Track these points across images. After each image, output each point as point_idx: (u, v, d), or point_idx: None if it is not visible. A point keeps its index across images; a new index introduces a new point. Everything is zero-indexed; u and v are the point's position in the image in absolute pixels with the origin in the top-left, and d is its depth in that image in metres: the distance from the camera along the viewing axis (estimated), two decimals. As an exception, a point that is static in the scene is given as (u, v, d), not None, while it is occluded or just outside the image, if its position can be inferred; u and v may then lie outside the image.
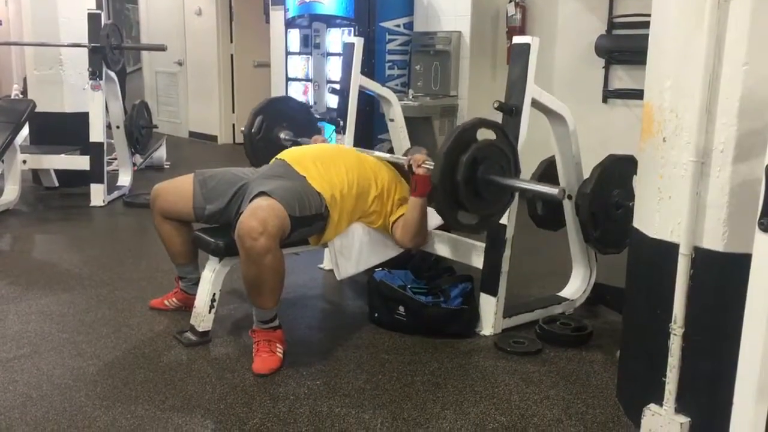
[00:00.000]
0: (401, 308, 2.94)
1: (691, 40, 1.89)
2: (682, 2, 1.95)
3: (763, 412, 1.57)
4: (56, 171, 5.68)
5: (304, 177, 2.84)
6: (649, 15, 2.18)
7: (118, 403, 2.34)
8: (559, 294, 3.24)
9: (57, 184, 5.76)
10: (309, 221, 2.75)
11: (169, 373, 2.57)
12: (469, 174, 2.48)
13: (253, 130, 3.55)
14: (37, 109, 5.25)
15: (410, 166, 2.88)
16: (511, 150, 2.63)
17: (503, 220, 2.87)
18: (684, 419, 2.03)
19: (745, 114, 1.82)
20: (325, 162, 2.92)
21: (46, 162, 5.48)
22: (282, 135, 3.60)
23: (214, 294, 2.81)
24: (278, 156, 3.07)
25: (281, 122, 3.62)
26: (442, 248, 3.27)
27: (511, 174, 2.62)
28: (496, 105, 2.80)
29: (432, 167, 2.64)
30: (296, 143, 3.57)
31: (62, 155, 5.43)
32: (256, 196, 2.65)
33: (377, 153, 3.29)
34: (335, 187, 2.83)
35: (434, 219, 3.30)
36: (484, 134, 2.64)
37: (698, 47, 1.85)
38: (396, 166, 3.16)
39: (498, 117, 2.84)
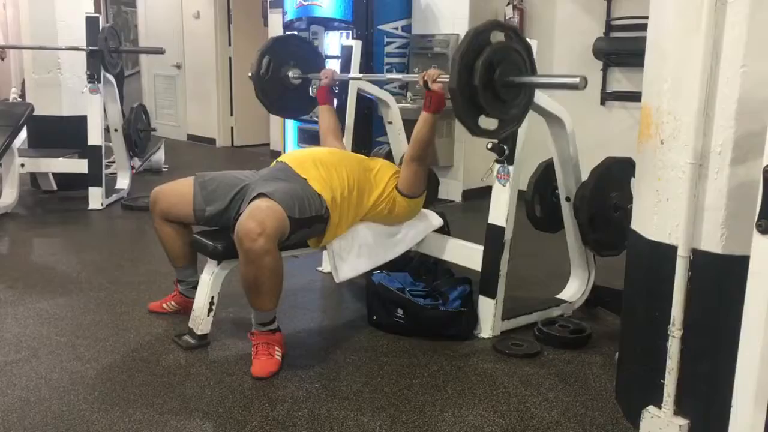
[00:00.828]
0: (400, 311, 2.93)
1: (689, 42, 1.89)
2: (679, 5, 1.96)
3: (761, 414, 1.57)
4: (54, 174, 5.68)
5: (305, 179, 2.84)
6: (646, 17, 2.18)
7: (116, 407, 2.34)
8: (557, 296, 3.24)
9: (55, 188, 5.75)
10: (308, 223, 2.75)
11: (168, 376, 2.57)
12: (487, 77, 2.37)
13: (261, 71, 3.50)
14: (35, 113, 5.26)
15: (425, 82, 2.83)
16: (525, 49, 2.55)
17: (501, 223, 2.88)
18: (683, 421, 2.03)
19: (743, 116, 1.83)
20: (326, 164, 2.92)
21: (44, 165, 5.47)
22: (290, 73, 3.53)
23: (213, 297, 2.81)
24: (279, 158, 3.07)
25: (288, 60, 3.55)
26: (440, 251, 3.27)
27: (528, 73, 2.56)
28: None
29: (446, 81, 2.58)
30: (305, 80, 3.56)
31: (60, 158, 5.43)
32: (255, 197, 2.65)
33: (389, 75, 3.04)
34: (336, 190, 2.83)
35: (434, 221, 3.31)
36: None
37: (696, 49, 1.86)
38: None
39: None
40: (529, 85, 2.53)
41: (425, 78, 2.81)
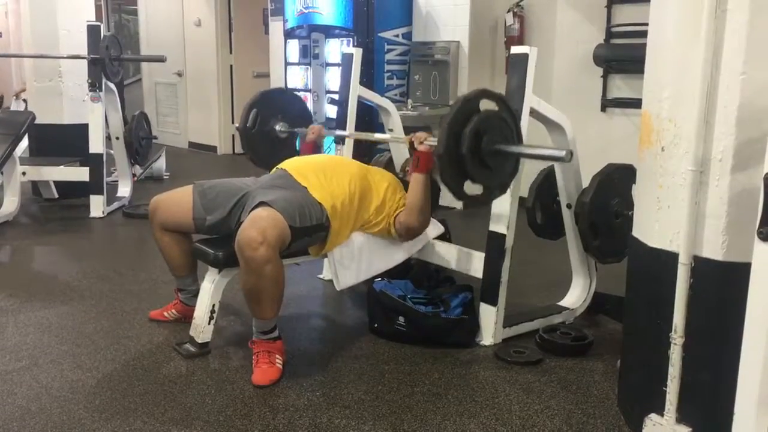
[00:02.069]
0: (401, 318, 2.93)
1: (689, 49, 1.90)
2: (679, 12, 1.96)
3: (764, 422, 1.57)
4: (56, 182, 5.69)
5: (306, 188, 2.84)
6: (646, 24, 2.18)
7: (117, 416, 2.33)
8: (559, 303, 3.23)
9: (56, 196, 5.76)
10: (309, 231, 2.74)
11: (169, 384, 2.56)
12: (474, 144, 2.43)
13: (248, 124, 3.52)
14: (36, 121, 5.27)
15: (411, 143, 2.87)
16: (513, 119, 2.58)
17: (502, 230, 2.87)
18: (685, 429, 2.03)
19: (744, 123, 1.83)
20: (327, 173, 2.92)
21: (45, 173, 5.49)
22: (277, 127, 3.56)
23: (214, 305, 2.81)
24: (279, 166, 3.07)
25: (276, 114, 3.58)
26: (441, 258, 3.27)
27: (515, 142, 2.59)
28: None
29: (434, 143, 2.61)
30: (292, 134, 3.57)
31: (62, 167, 5.45)
32: (256, 206, 2.65)
33: (378, 135, 3.22)
34: (336, 198, 2.83)
35: (435, 228, 3.31)
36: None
37: (696, 57, 1.86)
38: (398, 177, 3.15)
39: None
40: (516, 155, 2.59)
41: (412, 139, 2.86)
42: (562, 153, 2.37)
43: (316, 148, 3.50)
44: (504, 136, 2.51)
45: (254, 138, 3.53)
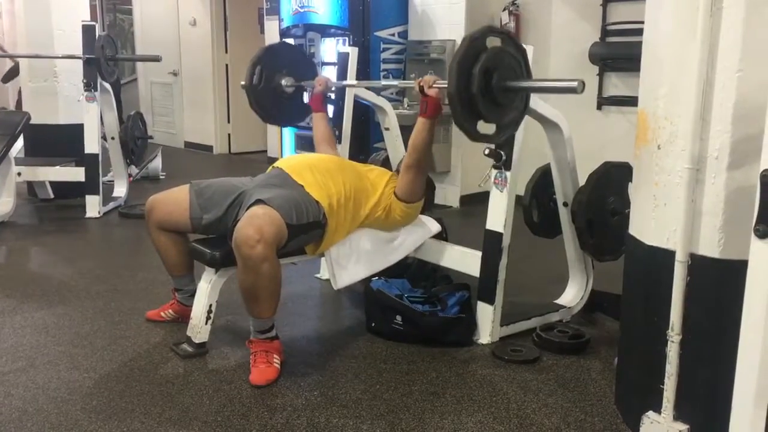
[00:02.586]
0: (398, 317, 2.93)
1: (685, 47, 1.90)
2: (675, 10, 1.96)
3: (761, 419, 1.57)
4: (51, 183, 5.68)
5: (302, 186, 2.84)
6: (642, 22, 2.19)
7: (114, 417, 2.33)
8: (556, 301, 3.24)
9: (52, 196, 5.75)
10: (306, 229, 2.74)
11: (166, 385, 2.56)
12: (485, 82, 2.39)
13: (254, 81, 3.50)
14: (32, 121, 5.25)
15: (421, 87, 2.84)
16: (520, 53, 2.55)
17: (499, 228, 2.87)
18: (682, 426, 2.03)
19: (740, 121, 1.83)
20: (323, 171, 2.92)
21: (41, 174, 5.47)
22: (283, 82, 3.54)
23: (211, 305, 2.80)
24: (275, 164, 3.07)
25: (281, 69, 3.55)
26: (438, 257, 3.27)
27: (524, 77, 2.57)
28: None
29: (443, 86, 2.60)
30: (299, 88, 3.56)
31: (57, 167, 5.43)
32: (252, 204, 2.65)
33: (384, 81, 3.08)
34: (333, 196, 2.83)
35: (432, 226, 3.31)
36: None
37: (692, 55, 1.86)
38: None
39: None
40: (527, 89, 2.54)
41: (421, 83, 2.82)
42: (574, 84, 2.28)
43: (323, 99, 3.50)
44: (513, 72, 2.48)
45: (261, 95, 3.50)
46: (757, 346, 1.53)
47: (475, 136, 2.45)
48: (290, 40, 6.25)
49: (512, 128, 2.64)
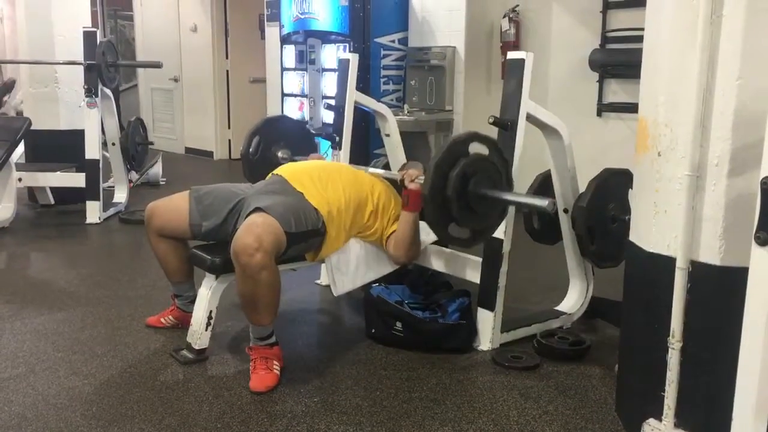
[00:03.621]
0: (398, 324, 2.93)
1: (685, 55, 1.90)
2: (675, 18, 1.97)
3: (762, 426, 1.57)
4: (52, 188, 5.67)
5: (302, 193, 2.84)
6: (641, 29, 2.19)
7: (114, 423, 2.32)
8: (556, 308, 3.23)
9: (53, 202, 5.75)
10: (305, 237, 2.74)
11: (166, 391, 2.56)
12: (461, 187, 2.46)
13: (250, 150, 3.54)
14: (32, 127, 5.26)
15: (402, 180, 2.89)
16: (503, 164, 2.62)
17: (500, 235, 2.87)
18: (683, 434, 2.02)
19: (740, 128, 1.84)
20: (322, 178, 2.92)
21: (41, 179, 5.47)
22: (279, 154, 3.59)
23: (211, 311, 2.80)
24: (275, 171, 3.07)
25: (278, 141, 3.62)
26: (439, 263, 3.27)
27: (503, 188, 2.62)
28: (491, 120, 2.81)
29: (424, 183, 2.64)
30: (293, 162, 3.57)
31: (58, 172, 5.43)
32: (252, 212, 2.65)
33: (371, 169, 3.29)
34: (332, 203, 2.83)
35: (430, 234, 3.30)
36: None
37: (692, 62, 1.87)
38: (392, 181, 3.17)
39: (493, 131, 2.85)
40: (500, 201, 2.63)
41: (404, 176, 2.88)
42: (545, 202, 2.43)
43: None
44: (492, 181, 2.54)
45: (256, 165, 3.56)
46: (758, 352, 1.54)
47: (445, 239, 2.53)
48: (291, 47, 6.28)
49: (486, 235, 2.71)
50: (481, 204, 2.55)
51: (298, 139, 3.74)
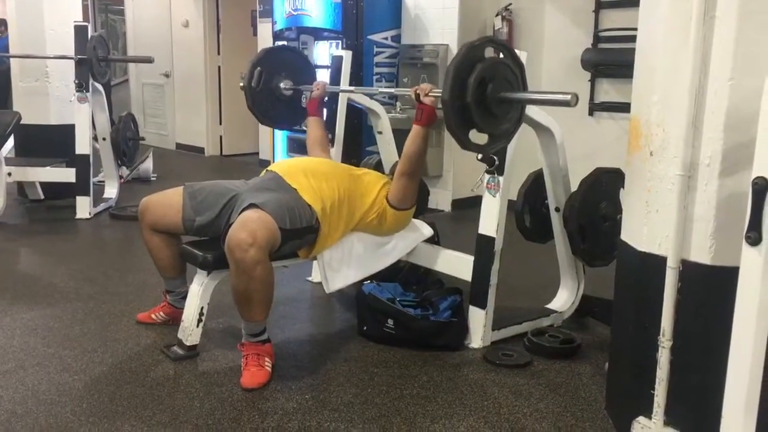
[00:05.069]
0: (390, 321, 2.93)
1: (678, 55, 1.91)
2: (668, 18, 1.97)
3: (751, 424, 1.58)
4: (42, 183, 5.64)
5: (296, 189, 2.83)
6: (634, 29, 2.20)
7: (104, 419, 2.32)
8: (547, 306, 3.24)
9: (42, 197, 5.71)
10: (299, 234, 2.74)
11: (157, 388, 2.55)
12: (480, 92, 2.39)
13: (252, 83, 3.50)
14: (22, 121, 5.22)
15: (417, 95, 2.86)
16: (517, 66, 2.56)
17: (492, 233, 2.88)
18: (673, 432, 2.04)
19: (731, 128, 1.85)
20: (317, 175, 2.92)
21: (31, 174, 5.44)
22: (282, 84, 3.56)
23: (202, 308, 2.79)
24: (269, 168, 3.07)
25: (280, 72, 3.57)
26: (430, 261, 3.27)
27: (520, 89, 2.57)
28: None
29: (439, 95, 2.60)
30: (297, 91, 3.58)
31: (48, 167, 5.40)
32: (246, 208, 2.65)
33: (381, 89, 3.11)
34: (326, 200, 2.83)
35: (424, 230, 3.31)
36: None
37: (684, 62, 1.87)
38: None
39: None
40: (521, 101, 2.55)
41: (417, 91, 2.83)
42: (567, 97, 2.31)
43: (320, 103, 3.52)
44: (509, 84, 2.49)
45: (259, 96, 3.51)
46: (748, 351, 1.55)
47: (467, 145, 2.46)
48: (283, 43, 6.25)
49: (505, 139, 2.65)
50: (500, 107, 2.46)
51: (300, 69, 3.69)
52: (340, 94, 3.66)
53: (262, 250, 2.48)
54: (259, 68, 3.49)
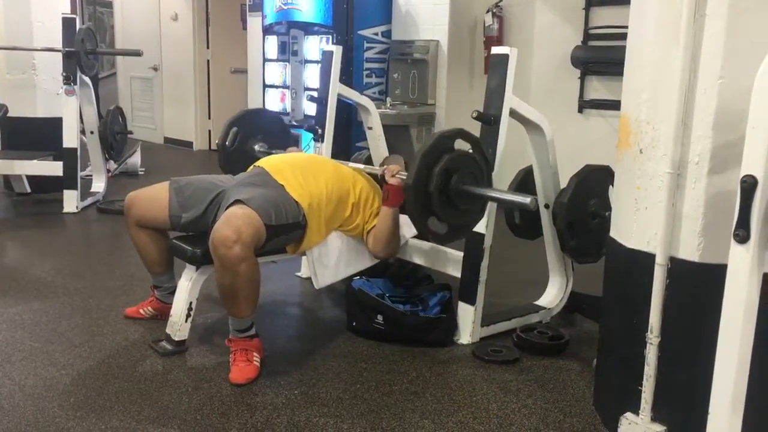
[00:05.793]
0: (379, 317, 2.93)
1: (668, 53, 1.92)
2: (658, 16, 1.98)
3: (738, 420, 1.59)
4: (28, 177, 5.59)
5: (282, 186, 2.83)
6: (623, 27, 2.21)
7: (91, 414, 2.30)
8: (536, 303, 3.26)
9: (29, 190, 5.66)
10: (285, 230, 2.73)
11: (145, 383, 2.54)
12: (443, 182, 2.48)
13: (227, 142, 3.53)
14: (9, 114, 5.17)
15: (383, 175, 2.89)
16: (485, 162, 2.64)
17: (481, 230, 2.89)
18: (660, 428, 2.05)
19: (720, 126, 1.86)
20: (304, 171, 2.91)
21: (18, 168, 5.38)
22: (257, 147, 3.60)
23: (191, 303, 2.78)
24: (257, 163, 3.06)
25: (256, 134, 3.62)
26: (420, 257, 3.28)
27: (485, 185, 2.63)
28: (474, 114, 2.81)
29: (405, 178, 2.65)
30: (270, 155, 3.55)
31: (35, 161, 5.34)
32: (231, 204, 2.63)
33: (351, 164, 3.28)
34: (313, 197, 2.83)
35: (412, 228, 3.31)
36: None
37: (674, 61, 1.88)
38: (372, 175, 3.16)
39: (475, 125, 2.86)
40: (482, 197, 2.65)
41: (384, 172, 2.89)
42: (527, 200, 2.46)
43: None
44: (475, 178, 2.56)
45: (232, 156, 3.55)
46: (735, 349, 1.56)
47: (425, 232, 2.54)
48: (273, 37, 6.24)
49: (464, 232, 2.73)
50: (463, 200, 2.56)
51: (276, 133, 3.74)
52: (330, 89, 3.65)
53: (246, 246, 2.47)
54: (235, 128, 3.54)
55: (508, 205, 2.97)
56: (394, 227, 2.94)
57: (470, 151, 2.64)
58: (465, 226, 2.72)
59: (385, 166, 2.93)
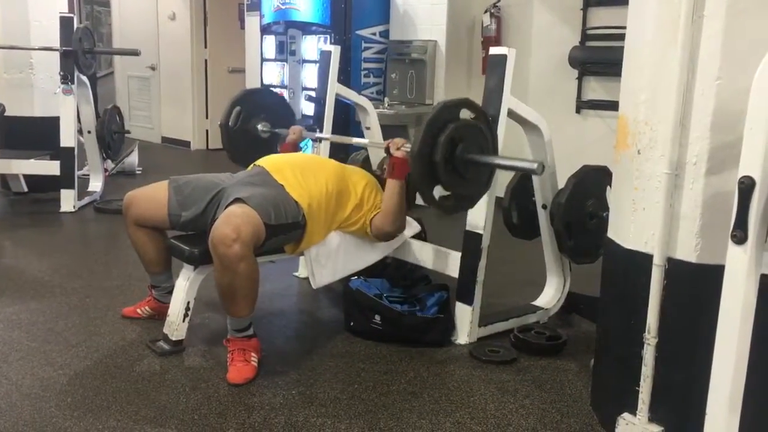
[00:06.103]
0: (377, 317, 2.93)
1: (666, 54, 1.92)
2: (656, 17, 1.99)
3: (735, 421, 1.60)
4: (25, 176, 5.58)
5: (282, 185, 2.82)
6: (621, 27, 2.21)
7: (89, 414, 2.30)
8: (533, 303, 3.26)
9: (26, 190, 5.65)
10: (285, 229, 2.73)
11: (142, 383, 2.54)
12: (449, 150, 2.45)
13: (230, 122, 3.51)
14: (6, 113, 5.16)
15: (388, 148, 2.87)
16: (490, 131, 2.60)
17: (478, 230, 2.89)
18: (657, 428, 2.06)
19: (718, 127, 1.86)
20: (304, 171, 2.91)
21: (15, 167, 5.37)
22: (260, 126, 3.56)
23: (188, 302, 2.78)
24: (257, 162, 3.05)
25: (259, 113, 3.58)
26: (417, 257, 3.28)
27: (490, 154, 2.61)
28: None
29: (410, 150, 2.63)
30: (274, 134, 3.56)
31: (32, 160, 5.33)
32: (231, 202, 2.63)
33: (356, 139, 3.23)
34: (313, 197, 2.82)
35: (411, 227, 3.31)
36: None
37: (672, 61, 1.89)
38: (375, 176, 3.16)
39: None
40: (488, 164, 2.61)
41: (389, 145, 2.86)
42: (534, 165, 2.43)
43: (294, 148, 3.49)
44: (480, 147, 2.54)
45: (235, 135, 3.52)
46: (732, 349, 1.56)
47: (430, 201, 2.52)
48: (271, 37, 6.24)
49: (470, 202, 2.70)
50: (468, 168, 2.52)
51: (279, 113, 3.69)
52: (329, 89, 3.65)
53: (246, 245, 2.47)
54: (238, 107, 3.52)
55: (515, 170, 2.90)
56: (400, 201, 2.90)
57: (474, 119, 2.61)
58: (471, 195, 2.67)
59: (389, 140, 2.91)
